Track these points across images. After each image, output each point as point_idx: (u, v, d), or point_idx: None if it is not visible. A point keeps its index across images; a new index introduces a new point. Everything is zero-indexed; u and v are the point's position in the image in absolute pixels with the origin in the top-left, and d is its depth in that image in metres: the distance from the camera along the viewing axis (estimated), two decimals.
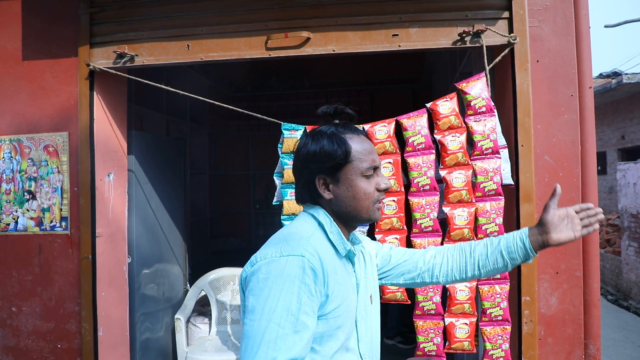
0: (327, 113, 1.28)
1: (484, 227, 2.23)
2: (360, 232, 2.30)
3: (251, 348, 1.00)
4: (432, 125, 2.34)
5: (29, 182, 2.70)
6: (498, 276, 2.22)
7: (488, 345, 2.22)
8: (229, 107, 2.54)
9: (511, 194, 2.32)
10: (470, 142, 2.28)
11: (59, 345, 2.65)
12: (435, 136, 2.31)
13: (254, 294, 1.05)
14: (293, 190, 2.46)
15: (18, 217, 2.71)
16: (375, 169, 1.22)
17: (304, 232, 1.16)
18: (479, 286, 2.25)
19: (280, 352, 0.99)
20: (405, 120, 2.35)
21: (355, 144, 1.20)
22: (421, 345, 2.32)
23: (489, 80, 2.28)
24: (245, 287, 1.11)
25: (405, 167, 2.38)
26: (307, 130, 1.32)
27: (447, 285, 2.30)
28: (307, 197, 1.24)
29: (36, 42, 2.71)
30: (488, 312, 2.22)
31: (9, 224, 2.72)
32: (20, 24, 2.72)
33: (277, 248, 1.10)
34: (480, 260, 1.37)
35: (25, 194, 2.71)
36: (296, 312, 1.02)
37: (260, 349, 0.99)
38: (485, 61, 2.25)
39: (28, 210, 2.70)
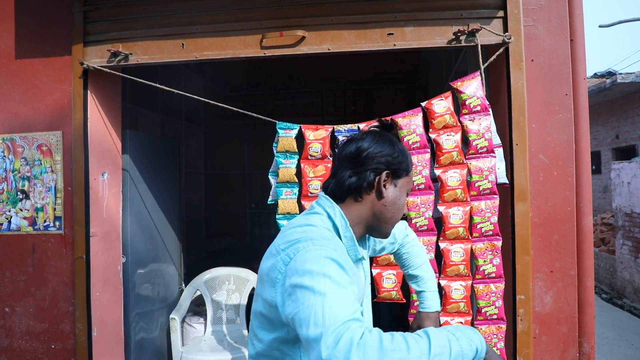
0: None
1: (478, 226, 2.24)
2: None
3: (315, 321, 0.91)
4: (427, 124, 2.34)
5: (22, 182, 2.68)
6: (493, 275, 2.23)
7: None
8: (225, 106, 2.54)
9: (506, 192, 2.32)
10: (465, 141, 2.28)
11: (53, 346, 2.63)
12: (430, 135, 2.32)
13: (297, 276, 0.99)
14: (288, 190, 2.46)
15: (11, 216, 2.69)
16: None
17: (325, 233, 1.14)
18: (474, 285, 2.25)
19: (350, 311, 0.92)
20: (400, 119, 2.35)
21: (411, 163, 1.28)
22: None
23: (483, 79, 2.29)
24: (275, 281, 1.06)
25: None
26: (368, 129, 1.31)
27: (442, 285, 2.30)
28: (349, 189, 1.20)
29: (29, 41, 2.69)
30: (483, 310, 2.23)
31: (2, 224, 2.70)
32: (13, 22, 2.70)
33: (307, 242, 1.06)
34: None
35: (19, 193, 2.69)
36: (342, 282, 0.98)
37: (326, 315, 0.91)
38: (480, 60, 2.26)
39: (21, 210, 2.68)
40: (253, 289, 3.51)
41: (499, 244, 2.24)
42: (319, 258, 1.01)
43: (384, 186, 1.20)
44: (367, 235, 1.34)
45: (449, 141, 2.28)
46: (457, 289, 2.26)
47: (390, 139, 1.24)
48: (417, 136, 2.33)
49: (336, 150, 1.29)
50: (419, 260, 1.63)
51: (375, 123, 1.35)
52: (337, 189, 1.22)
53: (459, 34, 2.30)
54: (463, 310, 2.27)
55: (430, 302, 1.61)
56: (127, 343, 3.03)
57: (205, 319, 3.52)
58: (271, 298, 1.06)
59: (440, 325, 1.48)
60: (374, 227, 1.25)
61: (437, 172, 2.29)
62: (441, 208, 2.28)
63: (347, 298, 0.95)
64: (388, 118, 2.15)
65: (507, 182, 2.29)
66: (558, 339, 2.27)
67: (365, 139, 1.22)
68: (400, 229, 1.59)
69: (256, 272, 3.57)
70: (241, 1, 2.47)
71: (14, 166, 2.69)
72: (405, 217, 1.40)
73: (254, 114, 2.53)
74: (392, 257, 2.32)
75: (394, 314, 4.21)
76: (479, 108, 2.26)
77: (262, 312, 1.11)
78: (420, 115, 2.35)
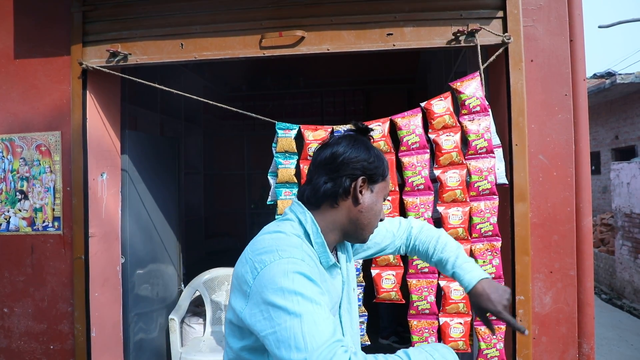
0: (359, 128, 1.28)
1: (478, 227, 2.24)
2: None
3: (296, 344, 0.94)
4: (426, 124, 2.34)
5: (21, 182, 2.68)
6: (493, 276, 2.22)
7: (482, 345, 2.22)
8: (224, 106, 2.53)
9: (505, 193, 2.32)
10: (465, 141, 2.28)
11: (52, 347, 2.62)
12: (429, 135, 2.31)
13: (271, 293, 1.00)
14: (287, 190, 2.45)
15: (10, 217, 2.68)
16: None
17: (294, 240, 1.12)
18: None
19: (328, 334, 0.95)
20: (399, 120, 2.35)
21: (387, 167, 1.26)
22: (416, 345, 2.32)
23: (483, 79, 2.29)
24: (244, 293, 1.06)
25: (399, 167, 2.38)
26: (343, 133, 1.29)
27: (441, 285, 2.30)
28: (324, 195, 1.19)
29: (28, 41, 2.68)
30: None
31: (0, 224, 2.69)
32: (12, 22, 2.70)
33: (274, 254, 1.05)
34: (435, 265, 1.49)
35: (17, 193, 2.68)
36: (315, 297, 1.00)
37: (307, 340, 0.93)
38: (480, 60, 2.26)
39: (20, 210, 2.68)
40: None
41: (499, 244, 2.24)
42: (288, 274, 1.00)
43: (360, 192, 1.18)
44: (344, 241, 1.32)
45: (449, 141, 2.28)
46: (457, 290, 2.26)
47: (365, 144, 1.22)
48: (417, 136, 2.32)
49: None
50: (437, 246, 1.45)
51: (350, 126, 1.31)
52: (312, 195, 1.20)
53: (458, 34, 2.29)
54: (462, 311, 2.26)
55: (469, 277, 1.33)
56: (126, 343, 3.03)
57: (205, 320, 3.52)
58: (239, 309, 1.06)
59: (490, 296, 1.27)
60: (351, 233, 1.24)
61: (437, 172, 2.29)
62: (440, 208, 2.28)
63: (323, 316, 0.97)
64: (369, 122, 2.17)
65: (507, 182, 2.28)
66: (557, 340, 2.27)
67: (341, 144, 1.20)
68: (402, 226, 1.52)
69: None
70: (240, 1, 2.47)
71: (12, 166, 2.69)
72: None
73: (253, 114, 2.53)
74: (391, 257, 2.32)
75: (393, 314, 4.21)
76: (478, 108, 2.26)
77: (232, 320, 1.11)
78: (420, 115, 2.35)
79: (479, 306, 1.29)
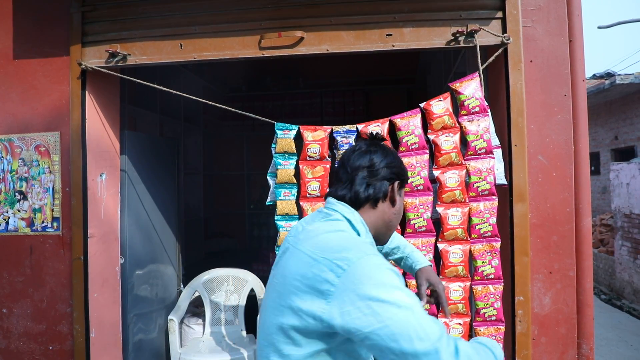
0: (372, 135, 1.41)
1: (477, 227, 2.24)
2: None
3: (416, 330, 0.96)
4: (426, 125, 2.34)
5: (20, 183, 2.68)
6: (492, 276, 2.22)
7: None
8: (223, 107, 2.53)
9: (505, 193, 2.32)
10: (464, 142, 2.28)
11: (51, 347, 2.62)
12: (428, 136, 2.31)
13: (367, 288, 1.00)
14: (287, 190, 2.45)
15: (9, 217, 2.68)
16: None
17: (361, 239, 1.19)
18: (473, 286, 2.25)
19: (436, 323, 1.01)
20: (398, 120, 2.35)
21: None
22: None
23: (482, 80, 2.28)
24: (323, 293, 1.03)
25: None
26: (373, 140, 1.38)
27: None
28: (367, 198, 1.25)
29: (27, 41, 2.68)
30: (482, 312, 2.22)
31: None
32: (11, 22, 2.69)
33: (358, 252, 1.05)
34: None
35: (16, 194, 2.68)
36: (409, 290, 1.06)
37: (426, 330, 0.97)
38: (479, 61, 2.26)
39: (19, 211, 2.67)
40: (252, 290, 3.50)
41: (498, 245, 2.24)
42: (382, 269, 1.03)
43: (397, 195, 1.31)
44: None
45: (448, 142, 2.28)
46: (456, 290, 2.26)
47: (394, 152, 1.35)
48: (416, 137, 2.32)
49: (338, 156, 1.35)
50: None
51: (368, 134, 1.42)
52: (355, 197, 1.25)
53: (457, 35, 2.29)
54: (462, 312, 2.26)
55: (420, 259, 1.69)
56: (125, 344, 3.02)
57: (204, 320, 3.51)
58: (319, 310, 1.02)
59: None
60: (381, 233, 1.32)
61: (436, 173, 2.29)
62: (440, 209, 2.28)
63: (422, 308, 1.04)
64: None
65: (506, 183, 2.28)
66: (557, 340, 2.27)
67: (377, 152, 1.29)
68: None
69: (255, 273, 3.59)
70: (240, 2, 2.47)
71: (11, 167, 2.68)
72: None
73: (253, 115, 2.53)
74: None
75: None
76: (477, 109, 2.26)
77: (294, 325, 1.06)
78: (419, 116, 2.35)
79: (427, 277, 1.60)
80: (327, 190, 1.37)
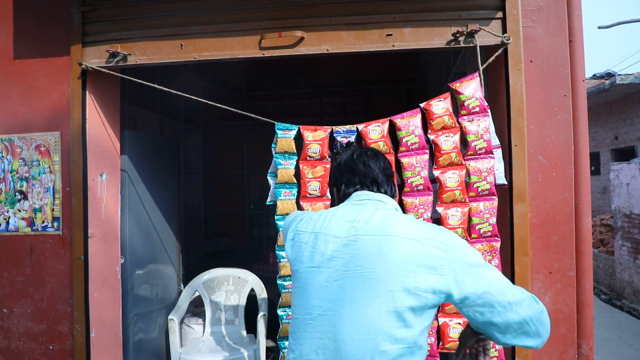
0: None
1: (477, 227, 2.24)
2: None
3: (509, 284, 1.16)
4: (426, 125, 2.34)
5: (20, 182, 2.68)
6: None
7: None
8: (223, 107, 2.53)
9: (504, 193, 2.32)
10: (464, 142, 2.28)
11: (51, 347, 2.62)
12: (429, 136, 2.31)
13: (470, 257, 1.18)
14: (287, 190, 2.45)
15: (9, 217, 2.68)
16: None
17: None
18: None
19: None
20: (399, 120, 2.35)
21: None
22: None
23: (482, 80, 2.29)
24: (436, 268, 1.16)
25: (399, 167, 2.37)
26: (361, 147, 1.62)
27: None
28: (393, 195, 1.43)
29: (28, 41, 2.68)
30: None
31: (0, 225, 2.69)
32: (11, 22, 2.70)
33: (446, 231, 1.24)
34: None
35: (17, 194, 2.68)
36: None
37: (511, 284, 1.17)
38: (479, 61, 2.26)
39: (19, 211, 2.68)
40: (252, 289, 3.50)
41: (498, 245, 2.24)
42: (466, 243, 1.24)
43: None
44: None
45: (448, 142, 2.28)
46: None
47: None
48: (416, 137, 2.32)
49: (361, 158, 1.47)
50: None
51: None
52: (390, 195, 1.42)
53: (457, 35, 2.29)
54: None
55: None
56: (126, 344, 3.03)
57: (204, 320, 3.52)
58: (437, 283, 1.15)
59: None
60: None
61: (436, 173, 2.29)
62: (440, 209, 2.28)
63: None
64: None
65: (506, 183, 2.29)
66: (557, 340, 2.27)
67: (383, 155, 1.49)
68: None
69: (255, 273, 3.59)
70: (240, 2, 2.47)
71: (12, 167, 2.69)
72: None
73: (253, 115, 2.53)
74: None
75: None
76: (477, 109, 2.26)
77: (411, 306, 1.15)
78: (419, 116, 2.35)
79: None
80: (343, 189, 1.43)
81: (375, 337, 1.14)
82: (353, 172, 1.41)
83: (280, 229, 2.43)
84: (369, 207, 1.32)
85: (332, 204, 1.51)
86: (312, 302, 1.24)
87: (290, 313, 2.46)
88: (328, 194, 2.39)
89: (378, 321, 1.14)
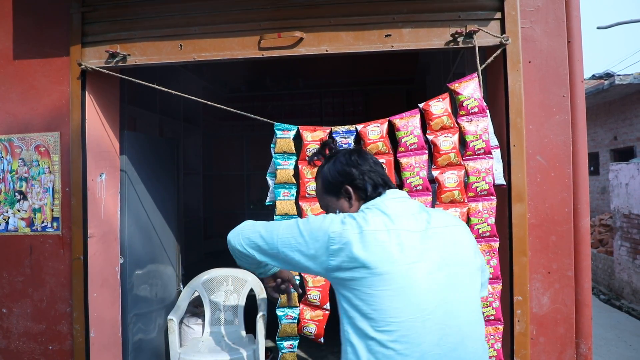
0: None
1: (476, 227, 2.24)
2: None
3: None
4: (424, 125, 2.34)
5: (19, 183, 2.68)
6: (490, 276, 2.23)
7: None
8: (223, 107, 2.54)
9: (503, 194, 2.32)
10: (463, 142, 2.29)
11: (50, 347, 2.63)
12: (427, 136, 2.32)
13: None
14: (286, 190, 2.46)
15: (9, 217, 2.68)
16: None
17: None
18: None
19: None
20: (397, 121, 2.36)
21: None
22: None
23: (481, 80, 2.29)
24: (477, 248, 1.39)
25: (397, 168, 2.38)
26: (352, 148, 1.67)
27: None
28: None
29: (27, 41, 2.69)
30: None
31: None
32: (11, 22, 2.70)
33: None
34: None
35: (16, 194, 2.68)
36: None
37: None
38: (478, 62, 2.26)
39: (19, 211, 2.68)
40: (251, 289, 3.50)
41: (497, 245, 2.25)
42: None
43: None
44: None
45: (447, 142, 2.28)
46: None
47: None
48: (415, 137, 2.33)
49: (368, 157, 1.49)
50: None
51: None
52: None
53: (456, 36, 2.30)
54: None
55: None
56: (125, 344, 3.03)
57: (203, 320, 3.52)
58: (482, 261, 1.41)
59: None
60: None
61: (435, 173, 2.29)
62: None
63: None
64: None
65: (505, 183, 2.29)
66: (555, 340, 2.27)
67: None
68: None
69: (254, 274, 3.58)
70: (239, 2, 2.47)
71: (11, 167, 2.69)
72: None
73: (252, 115, 2.53)
74: None
75: None
76: (476, 109, 2.27)
77: (481, 282, 1.38)
78: (418, 116, 2.36)
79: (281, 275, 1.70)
80: (369, 189, 1.40)
81: (480, 314, 1.30)
82: (376, 172, 1.41)
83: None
84: (412, 202, 1.36)
85: (331, 205, 1.48)
86: (423, 298, 1.18)
87: (289, 313, 2.46)
88: None
89: (477, 299, 1.31)
